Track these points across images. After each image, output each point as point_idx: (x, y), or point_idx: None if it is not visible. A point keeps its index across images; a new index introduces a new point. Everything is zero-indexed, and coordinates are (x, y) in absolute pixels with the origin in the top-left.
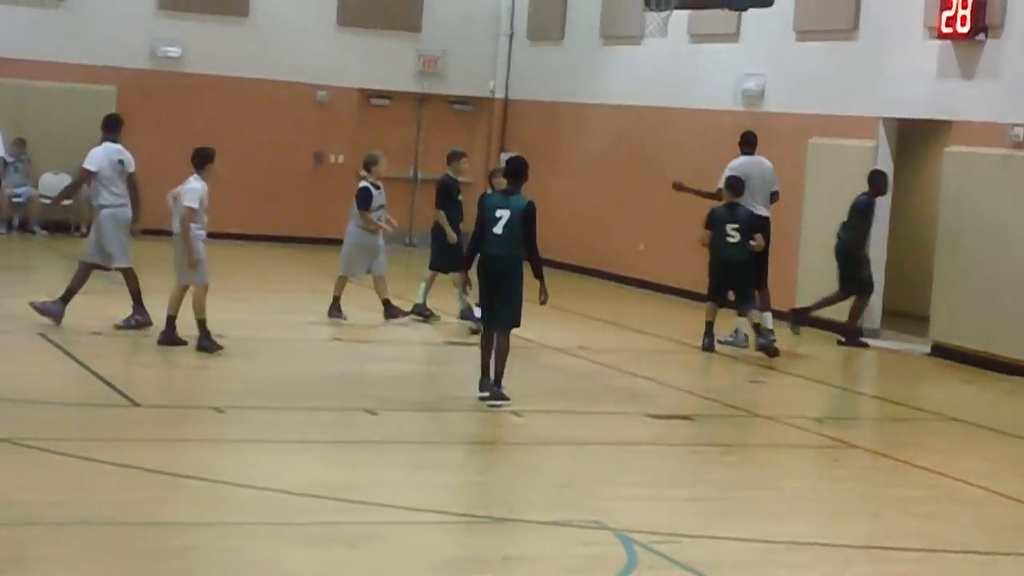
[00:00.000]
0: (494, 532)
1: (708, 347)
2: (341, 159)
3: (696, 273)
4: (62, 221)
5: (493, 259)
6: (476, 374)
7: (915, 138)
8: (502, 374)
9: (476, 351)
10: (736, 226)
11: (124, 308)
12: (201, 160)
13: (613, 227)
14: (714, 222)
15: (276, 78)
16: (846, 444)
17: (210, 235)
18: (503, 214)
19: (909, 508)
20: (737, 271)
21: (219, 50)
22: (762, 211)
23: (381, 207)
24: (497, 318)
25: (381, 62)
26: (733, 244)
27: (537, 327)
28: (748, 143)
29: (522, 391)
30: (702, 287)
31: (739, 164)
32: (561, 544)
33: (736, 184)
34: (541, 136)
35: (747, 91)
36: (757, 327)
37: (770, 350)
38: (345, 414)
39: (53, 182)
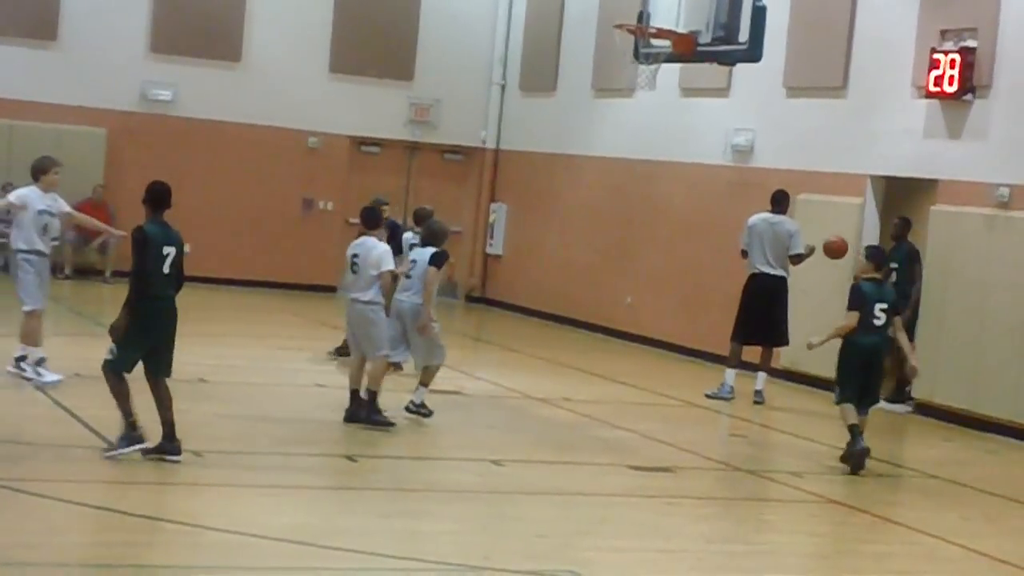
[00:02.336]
0: None
1: (861, 455)
2: (331, 206)
3: (683, 327)
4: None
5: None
6: (459, 422)
7: (902, 196)
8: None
9: (459, 399)
10: (884, 306)
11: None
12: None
13: (602, 279)
14: (861, 301)
15: (267, 123)
16: (825, 499)
17: (197, 279)
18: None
19: (886, 564)
20: (879, 361)
21: (211, 94)
22: (766, 269)
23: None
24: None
25: (373, 110)
26: (880, 327)
27: (522, 378)
28: (777, 202)
29: (504, 441)
30: (689, 340)
31: (755, 219)
32: None
33: (877, 256)
34: (532, 186)
35: (736, 146)
36: (858, 432)
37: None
38: (324, 460)
39: None
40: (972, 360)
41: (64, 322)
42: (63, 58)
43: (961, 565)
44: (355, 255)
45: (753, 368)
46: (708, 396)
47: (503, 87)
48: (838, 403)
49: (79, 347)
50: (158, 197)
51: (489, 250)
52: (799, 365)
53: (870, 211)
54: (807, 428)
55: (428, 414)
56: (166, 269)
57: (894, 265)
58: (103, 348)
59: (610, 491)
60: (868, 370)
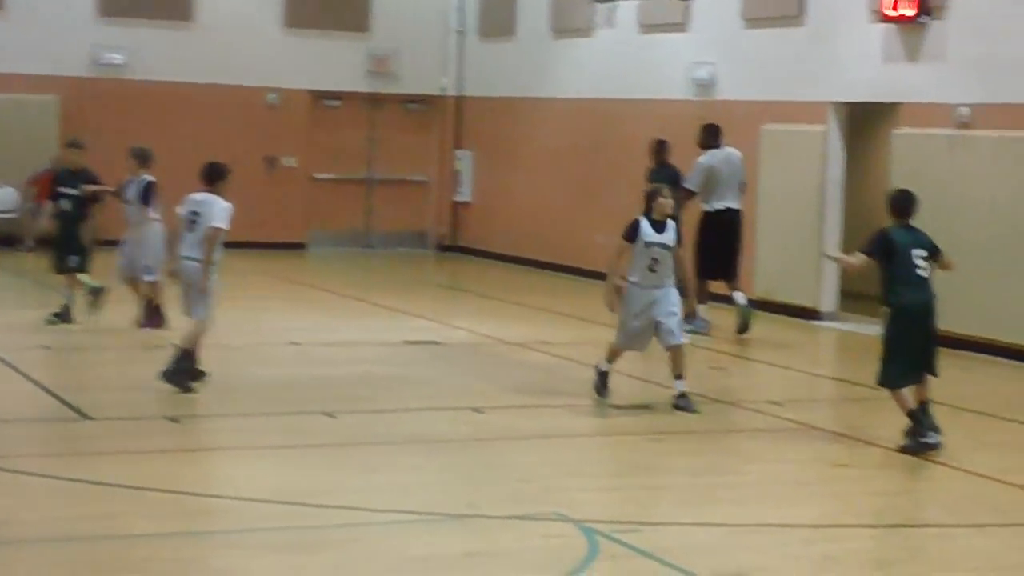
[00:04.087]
0: (456, 529)
1: (926, 443)
2: (294, 162)
3: None
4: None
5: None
6: (437, 372)
7: (865, 122)
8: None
9: (437, 349)
10: (924, 253)
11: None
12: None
13: (571, 220)
14: (891, 248)
15: (224, 82)
16: (805, 426)
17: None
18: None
19: (867, 486)
20: (932, 322)
21: (164, 55)
22: (733, 204)
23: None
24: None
25: (331, 63)
26: (925, 280)
27: (498, 324)
28: (714, 135)
29: (482, 387)
30: None
31: (710, 160)
32: (523, 538)
33: (905, 201)
34: (495, 132)
35: (698, 80)
36: (925, 418)
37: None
38: (303, 418)
39: None
40: (941, 280)
41: (30, 295)
42: (11, 26)
43: (941, 482)
44: (195, 212)
45: (724, 300)
46: (685, 331)
47: (461, 33)
48: (888, 387)
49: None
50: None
51: (457, 198)
52: (774, 295)
53: (833, 138)
54: (784, 357)
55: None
56: None
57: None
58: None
59: (592, 431)
60: (921, 336)
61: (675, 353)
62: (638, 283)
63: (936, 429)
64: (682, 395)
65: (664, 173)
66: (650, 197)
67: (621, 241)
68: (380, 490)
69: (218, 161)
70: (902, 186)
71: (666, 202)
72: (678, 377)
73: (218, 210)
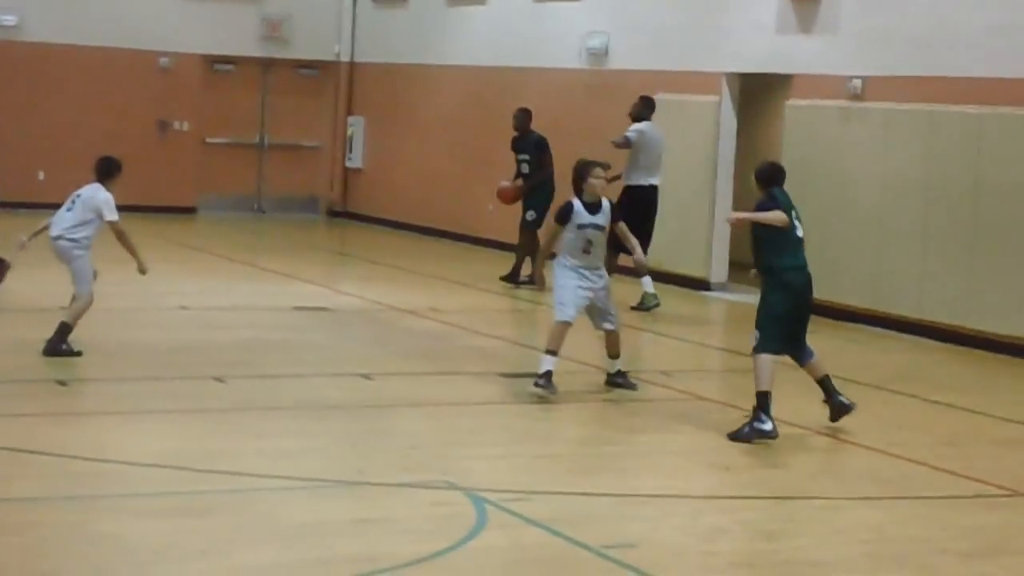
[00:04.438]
0: (344, 496)
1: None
2: (186, 126)
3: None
4: None
5: None
6: (326, 338)
7: (757, 92)
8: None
9: (325, 315)
10: (799, 220)
11: None
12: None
13: (463, 188)
14: (777, 210)
15: (117, 45)
16: (694, 396)
17: (52, 206)
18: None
19: (757, 457)
20: (810, 298)
21: (57, 17)
22: (656, 181)
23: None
24: None
25: (224, 27)
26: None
27: (388, 290)
28: (649, 108)
29: (372, 354)
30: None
31: (643, 128)
32: (412, 505)
33: (778, 172)
34: (389, 99)
35: (592, 49)
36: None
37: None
38: (192, 383)
39: None
40: (831, 251)
41: None
42: None
43: (830, 454)
44: (77, 195)
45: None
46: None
47: None
48: (764, 352)
49: None
50: None
51: (348, 164)
52: (665, 265)
53: (726, 108)
54: (675, 328)
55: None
56: None
57: (524, 157)
58: None
59: (482, 399)
60: (805, 309)
61: (611, 336)
62: (572, 265)
63: (844, 406)
64: (619, 372)
65: (529, 140)
66: (580, 177)
67: (554, 224)
68: (269, 456)
69: (112, 156)
70: (775, 158)
71: (597, 182)
72: (615, 356)
73: (103, 201)
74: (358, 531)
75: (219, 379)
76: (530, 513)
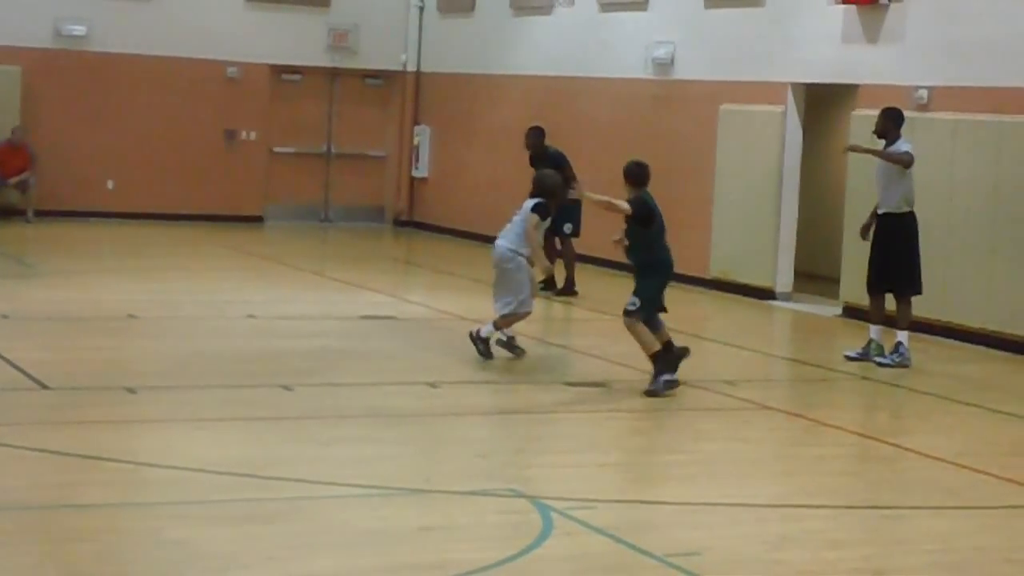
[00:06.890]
0: (411, 503)
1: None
2: (253, 136)
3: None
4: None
5: None
6: (394, 347)
7: (823, 103)
8: None
9: (393, 323)
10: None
11: (29, 291)
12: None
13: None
14: (654, 212)
15: (185, 55)
16: (759, 406)
17: (123, 215)
18: None
19: (821, 466)
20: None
21: (125, 27)
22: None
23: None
24: None
25: (291, 37)
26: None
27: (454, 300)
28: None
29: (440, 363)
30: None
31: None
32: (478, 513)
33: (644, 171)
34: (454, 108)
35: (657, 59)
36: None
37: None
38: (260, 391)
39: None
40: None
41: None
42: None
43: (893, 463)
44: None
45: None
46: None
47: (421, 9)
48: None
49: (4, 288)
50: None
51: (415, 173)
52: (730, 275)
53: (792, 119)
54: (740, 337)
55: None
56: None
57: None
58: (30, 288)
59: (547, 408)
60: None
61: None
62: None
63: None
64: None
65: (548, 156)
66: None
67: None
68: (335, 463)
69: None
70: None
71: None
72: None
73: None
74: (424, 539)
75: (286, 387)
76: (595, 521)
